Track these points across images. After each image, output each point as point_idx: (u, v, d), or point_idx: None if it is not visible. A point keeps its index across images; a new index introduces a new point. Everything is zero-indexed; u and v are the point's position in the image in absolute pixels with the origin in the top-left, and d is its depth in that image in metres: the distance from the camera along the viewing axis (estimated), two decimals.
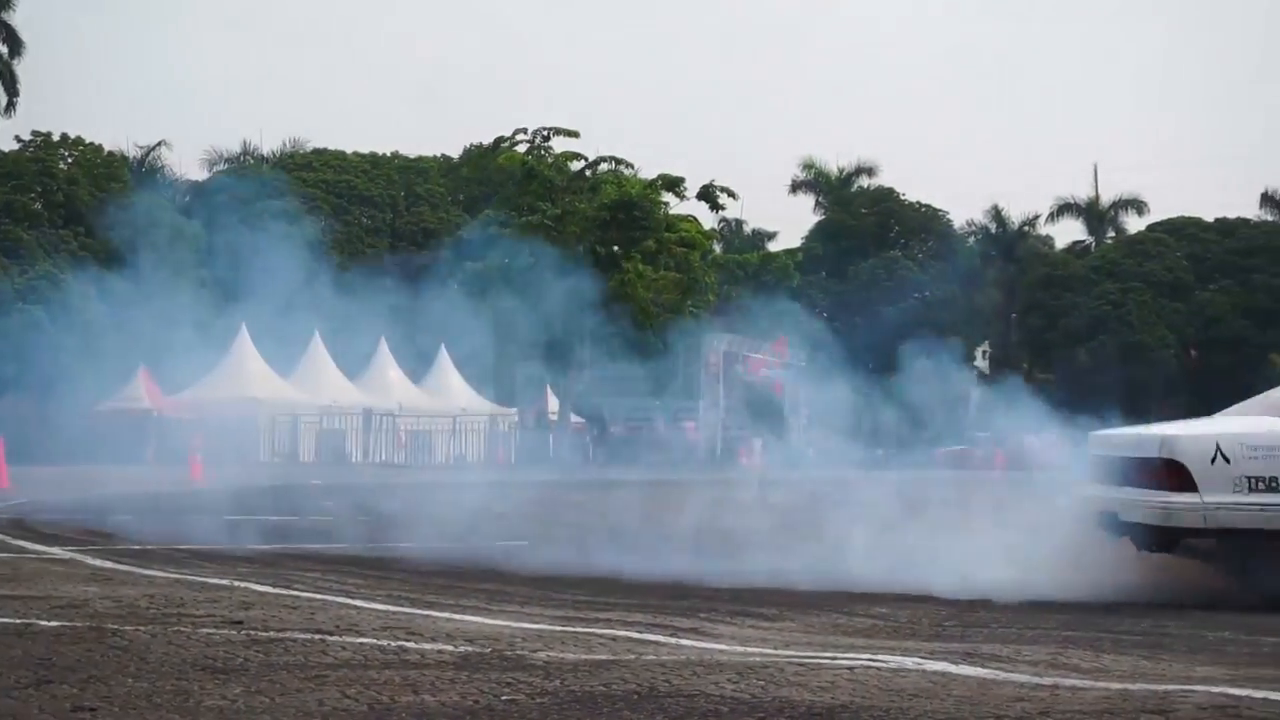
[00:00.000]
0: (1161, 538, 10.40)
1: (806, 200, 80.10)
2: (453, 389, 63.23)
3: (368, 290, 68.27)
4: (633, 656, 7.33)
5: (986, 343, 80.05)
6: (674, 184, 61.36)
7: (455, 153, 79.78)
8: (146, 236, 60.90)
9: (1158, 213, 78.22)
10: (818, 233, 77.87)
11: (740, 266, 66.70)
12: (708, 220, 71.43)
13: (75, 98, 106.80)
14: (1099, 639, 8.11)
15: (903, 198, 79.06)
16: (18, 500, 22.90)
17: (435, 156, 78.78)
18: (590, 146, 63.35)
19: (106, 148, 66.66)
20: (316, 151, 75.41)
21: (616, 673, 6.82)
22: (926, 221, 78.91)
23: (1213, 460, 10.11)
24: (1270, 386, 11.87)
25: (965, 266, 73.51)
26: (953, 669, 6.97)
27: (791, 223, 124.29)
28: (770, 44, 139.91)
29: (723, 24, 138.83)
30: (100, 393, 56.50)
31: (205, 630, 8.12)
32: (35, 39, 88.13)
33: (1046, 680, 6.70)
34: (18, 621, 8.44)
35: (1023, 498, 17.69)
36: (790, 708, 6.04)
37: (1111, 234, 79.28)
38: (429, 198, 74.08)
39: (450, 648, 7.54)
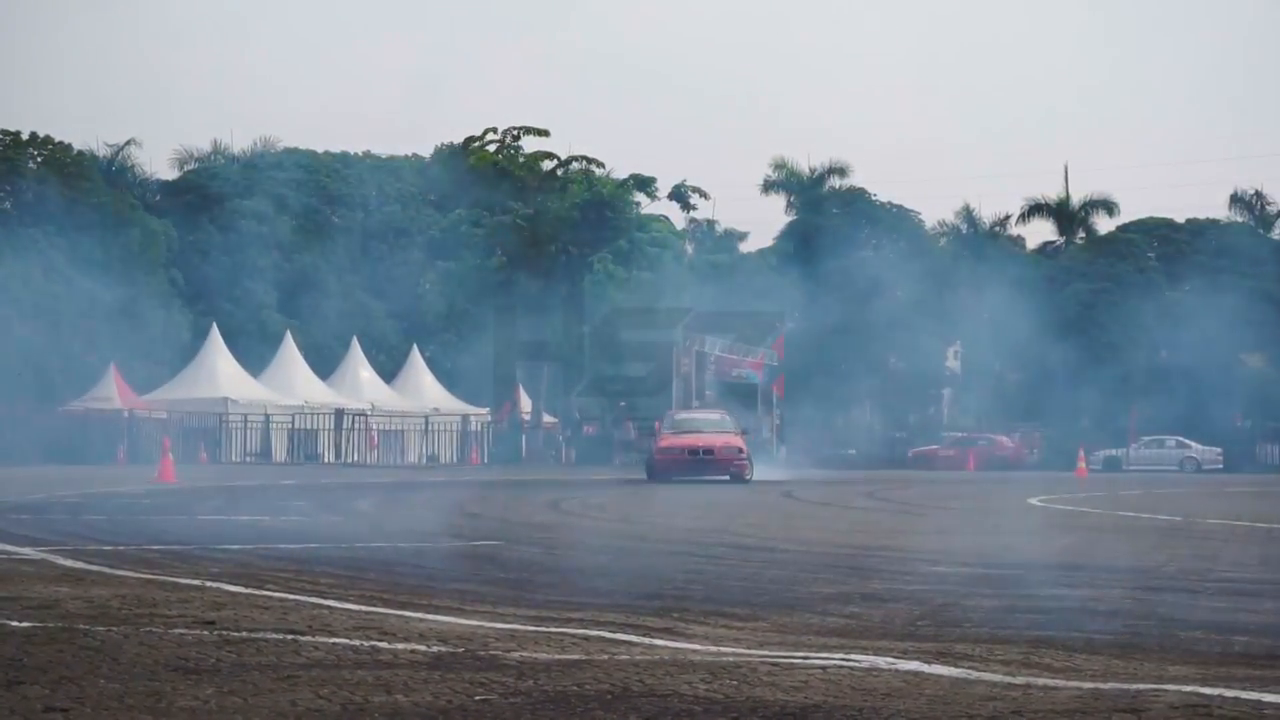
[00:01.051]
0: None
1: (778, 200, 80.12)
2: (425, 388, 63.18)
3: (340, 290, 68.22)
4: (606, 656, 7.34)
5: (958, 343, 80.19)
6: (645, 184, 61.36)
7: (427, 152, 79.74)
8: (116, 236, 60.77)
9: (1128, 213, 78.51)
10: (789, 233, 77.92)
11: (713, 267, 66.75)
12: (679, 220, 71.49)
13: (44, 96, 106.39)
14: (1071, 638, 8.13)
15: (874, 198, 79.13)
16: None
17: (407, 156, 78.68)
18: (561, 146, 63.29)
19: (75, 147, 66.44)
20: (288, 150, 75.20)
21: (590, 672, 6.82)
22: (898, 222, 78.97)
23: None
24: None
25: (937, 266, 73.63)
26: (925, 668, 6.98)
27: (763, 223, 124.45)
28: (742, 43, 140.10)
29: (694, 23, 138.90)
30: (71, 392, 56.36)
31: (177, 630, 8.10)
32: (2, 37, 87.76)
33: (1019, 679, 6.72)
34: None
35: None
36: (763, 707, 6.05)
37: (1082, 234, 79.46)
38: (400, 197, 73.96)
39: (423, 648, 7.53)
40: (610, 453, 54.78)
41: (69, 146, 65.75)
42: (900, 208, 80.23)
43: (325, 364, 62.45)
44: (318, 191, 71.85)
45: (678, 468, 36.25)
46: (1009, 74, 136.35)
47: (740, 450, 36.52)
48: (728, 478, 35.73)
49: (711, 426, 38.27)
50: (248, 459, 55.05)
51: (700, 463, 36.34)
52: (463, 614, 9.01)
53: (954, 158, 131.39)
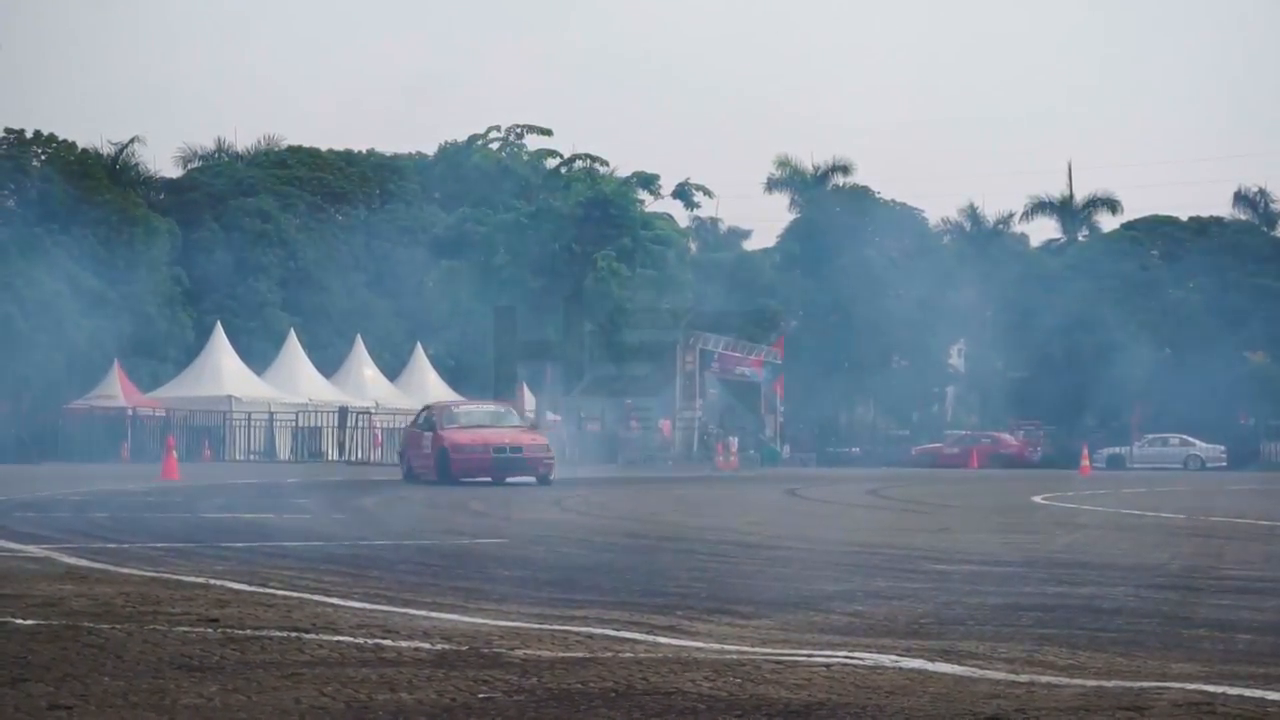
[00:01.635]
0: None
1: (781, 198, 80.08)
2: (428, 386, 63.14)
3: (344, 288, 68.16)
4: (610, 654, 7.34)
5: (962, 340, 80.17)
6: (649, 182, 61.37)
7: (430, 150, 79.73)
8: (120, 234, 60.82)
9: (1131, 211, 78.49)
10: (793, 231, 77.91)
11: (716, 265, 66.76)
12: (683, 218, 71.49)
13: (48, 95, 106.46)
14: (1074, 636, 8.13)
15: (877, 196, 79.09)
16: None
17: (410, 154, 78.66)
18: (565, 144, 63.36)
19: (80, 145, 66.49)
20: (292, 149, 75.22)
21: (594, 670, 6.82)
22: (901, 220, 78.93)
23: None
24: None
25: (940, 264, 73.61)
26: (929, 666, 6.98)
27: (766, 221, 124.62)
28: (745, 41, 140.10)
29: (697, 21, 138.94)
30: (75, 390, 56.39)
31: (181, 628, 8.10)
32: (7, 36, 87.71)
33: (1022, 677, 6.72)
34: None
35: None
36: (767, 705, 6.04)
37: (1085, 232, 79.43)
38: (404, 195, 73.96)
39: (427, 645, 7.53)
40: (614, 450, 54.48)
41: (73, 145, 65.83)
42: (903, 205, 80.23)
43: (329, 362, 62.47)
44: (321, 189, 71.87)
45: (479, 468, 32.25)
46: (1012, 72, 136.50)
47: (547, 448, 33.39)
48: (534, 479, 32.10)
49: (501, 421, 34.53)
50: (251, 457, 55.06)
51: (507, 462, 32.25)
52: (466, 612, 9.01)
53: (957, 156, 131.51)
